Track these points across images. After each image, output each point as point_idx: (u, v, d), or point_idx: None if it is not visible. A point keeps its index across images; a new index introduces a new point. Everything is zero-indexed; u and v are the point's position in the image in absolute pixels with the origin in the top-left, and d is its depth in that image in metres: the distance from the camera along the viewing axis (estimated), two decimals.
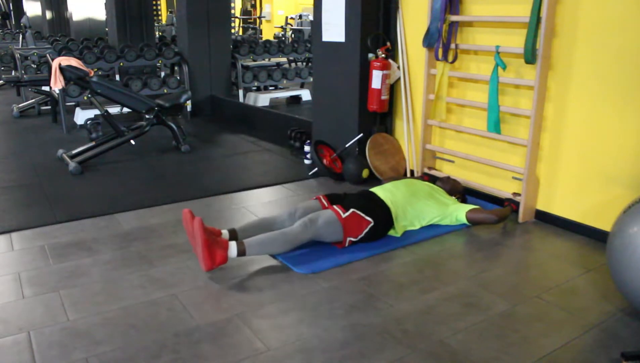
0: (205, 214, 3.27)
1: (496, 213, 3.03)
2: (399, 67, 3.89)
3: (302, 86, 7.98)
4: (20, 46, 8.70)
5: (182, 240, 2.89)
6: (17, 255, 2.69)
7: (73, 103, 6.17)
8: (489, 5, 3.25)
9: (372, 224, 2.77)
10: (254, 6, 18.33)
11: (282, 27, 14.60)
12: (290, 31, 13.87)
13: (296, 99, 7.52)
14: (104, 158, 4.47)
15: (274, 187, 3.83)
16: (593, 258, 2.71)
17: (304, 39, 11.60)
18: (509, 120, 3.26)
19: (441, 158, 3.78)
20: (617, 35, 2.67)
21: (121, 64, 6.30)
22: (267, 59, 8.11)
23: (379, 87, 3.79)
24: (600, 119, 2.81)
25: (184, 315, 2.16)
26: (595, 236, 2.92)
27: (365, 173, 3.85)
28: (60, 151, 4.41)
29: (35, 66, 6.60)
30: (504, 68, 3.14)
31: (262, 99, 6.97)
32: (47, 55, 5.81)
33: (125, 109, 5.60)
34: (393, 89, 4.01)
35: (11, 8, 15.34)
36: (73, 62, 4.45)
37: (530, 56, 2.91)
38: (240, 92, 7.13)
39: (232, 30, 10.00)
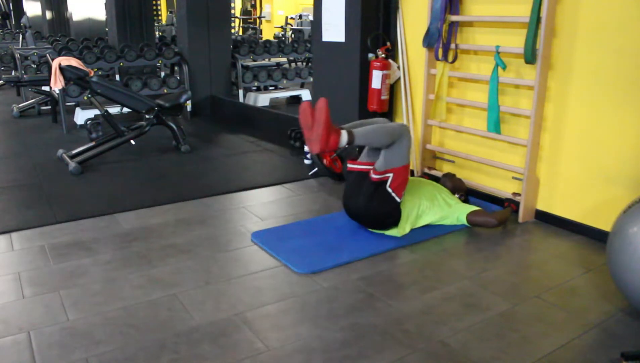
0: (205, 214, 3.27)
1: (497, 216, 3.03)
2: (399, 67, 3.89)
3: (302, 86, 7.98)
4: (20, 46, 8.71)
5: (182, 240, 2.89)
6: (17, 255, 2.69)
7: (73, 103, 6.17)
8: (489, 5, 3.25)
9: (398, 200, 2.87)
10: (254, 6, 18.32)
11: (282, 27, 14.61)
12: (290, 31, 13.87)
13: (296, 99, 7.52)
14: (104, 158, 4.47)
15: (274, 187, 3.83)
16: (593, 258, 2.71)
17: (304, 39, 11.59)
18: (509, 120, 3.26)
19: (441, 158, 3.79)
20: (617, 35, 2.67)
21: (121, 64, 6.30)
22: (267, 59, 8.11)
23: (379, 87, 3.79)
24: (600, 119, 2.81)
25: (184, 315, 2.16)
26: (595, 236, 2.92)
27: None
28: (60, 151, 4.41)
29: (35, 66, 6.60)
30: (504, 68, 3.14)
31: (262, 99, 6.97)
32: (47, 55, 5.82)
33: (125, 109, 5.59)
34: (393, 89, 4.01)
35: (11, 8, 15.33)
36: (73, 62, 4.45)
37: (530, 56, 2.91)
38: (240, 92, 7.13)
39: (232, 30, 9.99)
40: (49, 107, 6.35)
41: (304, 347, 1.95)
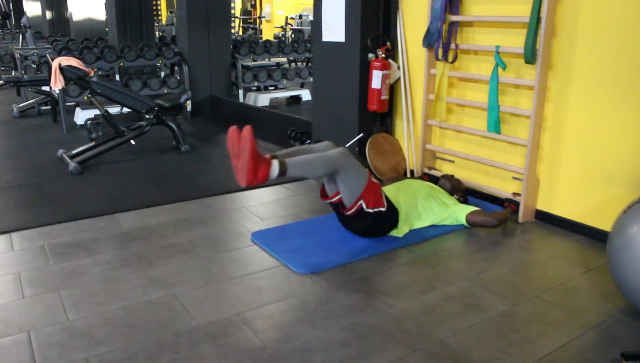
0: (205, 214, 3.27)
1: (496, 216, 3.03)
2: (399, 67, 3.89)
3: (302, 86, 7.98)
4: (20, 46, 8.70)
5: (182, 240, 2.89)
6: (17, 255, 2.69)
7: (73, 103, 6.17)
8: (489, 5, 3.25)
9: (383, 209, 2.77)
10: (254, 6, 18.33)
11: (282, 27, 14.61)
12: (290, 31, 13.87)
13: (296, 99, 7.52)
14: (104, 158, 4.47)
15: (274, 187, 3.83)
16: (593, 258, 2.71)
17: (304, 39, 11.59)
18: (509, 120, 3.26)
19: (441, 158, 3.79)
20: (617, 35, 2.67)
21: (121, 64, 6.30)
22: (267, 59, 8.11)
23: (379, 87, 3.79)
24: (600, 119, 2.81)
25: (184, 315, 2.16)
26: (595, 236, 2.92)
27: None
28: (60, 151, 4.41)
29: (35, 66, 6.60)
30: (504, 68, 3.14)
31: (262, 99, 6.97)
32: (47, 55, 5.81)
33: (125, 109, 5.59)
34: (393, 89, 4.00)
35: (11, 8, 15.33)
36: (73, 62, 4.45)
37: (530, 56, 2.91)
38: (240, 92, 7.13)
39: (232, 30, 9.99)
40: (49, 107, 6.35)
41: (304, 347, 1.95)
